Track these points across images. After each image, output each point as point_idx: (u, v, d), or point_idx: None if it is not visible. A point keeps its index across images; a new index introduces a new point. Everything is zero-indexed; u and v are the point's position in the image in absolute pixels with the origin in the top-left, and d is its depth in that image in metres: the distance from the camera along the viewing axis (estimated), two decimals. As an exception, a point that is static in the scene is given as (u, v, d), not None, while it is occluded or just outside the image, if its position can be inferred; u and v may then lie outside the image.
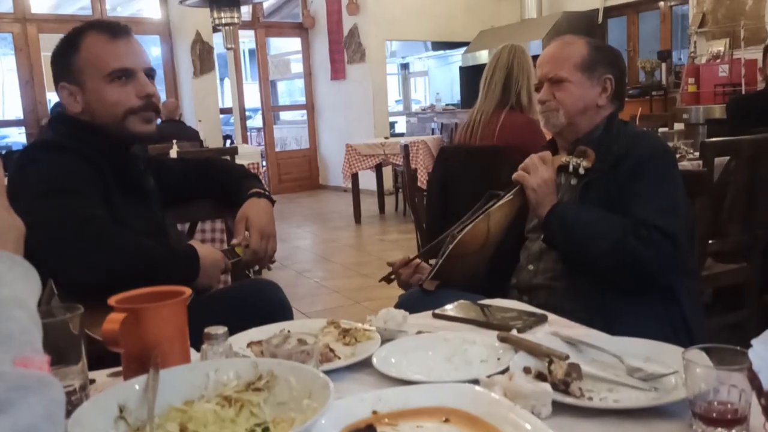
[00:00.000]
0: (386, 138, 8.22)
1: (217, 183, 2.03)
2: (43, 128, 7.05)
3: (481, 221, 1.85)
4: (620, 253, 1.66)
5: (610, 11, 8.82)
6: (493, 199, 1.92)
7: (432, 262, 1.99)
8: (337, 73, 10.37)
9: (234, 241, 1.85)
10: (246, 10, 9.75)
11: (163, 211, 1.92)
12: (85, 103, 1.71)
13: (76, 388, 1.00)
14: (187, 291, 1.08)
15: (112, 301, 1.04)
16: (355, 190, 7.61)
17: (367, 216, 7.92)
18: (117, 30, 1.73)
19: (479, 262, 1.90)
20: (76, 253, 1.46)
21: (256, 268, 2.00)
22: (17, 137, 10.12)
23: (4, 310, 0.61)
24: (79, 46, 1.70)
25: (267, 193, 1.95)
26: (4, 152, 7.28)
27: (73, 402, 0.96)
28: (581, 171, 1.82)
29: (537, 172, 1.82)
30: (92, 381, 1.11)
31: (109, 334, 0.99)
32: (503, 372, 1.06)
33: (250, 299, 1.77)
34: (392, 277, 2.01)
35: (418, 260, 1.99)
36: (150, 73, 1.76)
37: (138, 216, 1.72)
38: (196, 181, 2.04)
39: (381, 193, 8.23)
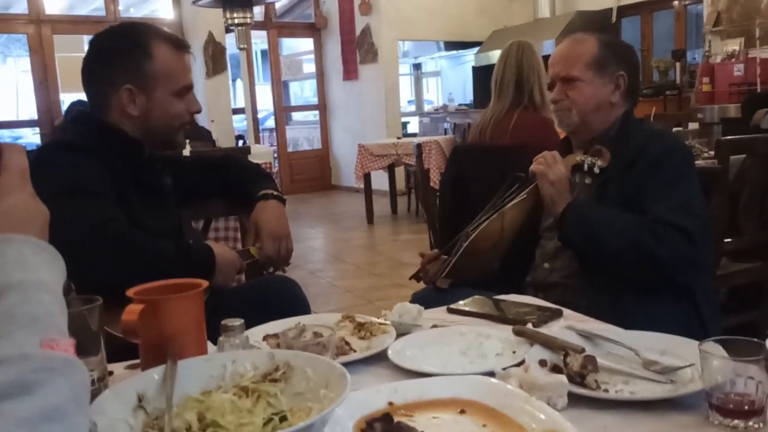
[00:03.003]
0: (399, 138, 8.22)
1: (231, 182, 2.03)
2: (56, 128, 7.10)
3: (495, 220, 1.84)
4: (636, 250, 1.66)
5: (624, 10, 8.79)
6: (517, 182, 1.91)
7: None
8: (350, 73, 10.38)
9: (245, 248, 1.86)
10: (258, 11, 9.81)
11: (179, 210, 1.93)
12: (146, 109, 1.71)
13: (95, 379, 1.01)
14: (204, 283, 1.09)
15: (130, 292, 1.05)
16: (368, 191, 7.61)
17: (380, 216, 7.92)
18: (183, 45, 1.78)
19: (492, 260, 1.89)
20: (90, 256, 1.48)
21: (271, 270, 2.00)
22: (31, 137, 10.19)
23: (31, 294, 0.62)
24: (153, 54, 1.70)
25: (278, 193, 1.96)
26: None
27: (92, 392, 0.97)
28: (596, 170, 1.81)
29: (553, 168, 1.82)
30: (110, 373, 1.12)
31: (127, 324, 1.00)
32: (519, 365, 1.06)
33: (267, 295, 1.77)
34: (421, 274, 2.00)
35: (445, 257, 1.97)
36: None
37: (155, 216, 1.73)
38: (211, 179, 2.05)
39: (393, 193, 8.23)
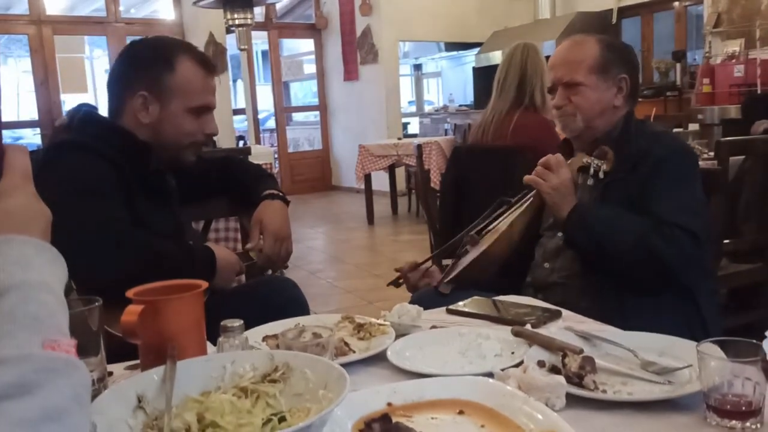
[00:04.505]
0: (399, 139, 8.23)
1: (233, 183, 2.04)
2: (57, 129, 7.10)
3: (506, 231, 1.83)
4: (642, 251, 1.66)
5: (625, 11, 8.79)
6: (504, 205, 1.91)
7: (445, 262, 1.99)
8: (350, 73, 10.38)
9: (248, 246, 1.86)
10: (259, 11, 9.82)
11: (181, 211, 1.94)
12: (158, 119, 1.72)
13: (95, 380, 1.01)
14: (204, 284, 1.09)
15: (130, 293, 1.05)
16: (368, 191, 7.62)
17: (380, 217, 7.92)
18: (210, 66, 1.79)
19: (497, 266, 1.89)
20: (94, 255, 1.48)
21: (270, 272, 2.00)
22: (32, 138, 10.19)
23: (32, 294, 0.62)
24: (175, 67, 1.71)
25: (282, 194, 1.96)
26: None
27: (91, 393, 0.97)
28: (601, 175, 1.80)
29: (553, 174, 1.81)
30: (110, 373, 1.13)
31: (127, 325, 1.00)
32: (517, 365, 1.06)
33: (267, 296, 1.78)
34: (400, 281, 2.00)
35: (427, 264, 1.98)
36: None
37: (159, 217, 1.74)
38: (213, 179, 2.05)
39: (394, 193, 8.24)
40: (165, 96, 1.71)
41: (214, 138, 6.81)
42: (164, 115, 1.72)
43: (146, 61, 1.74)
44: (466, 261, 1.86)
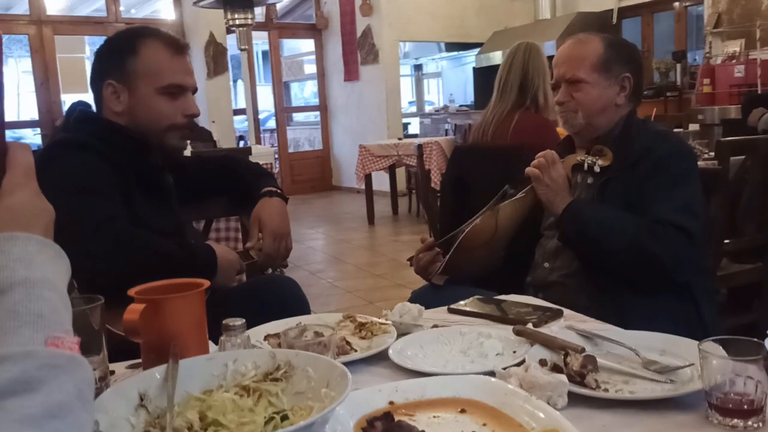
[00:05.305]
0: (400, 139, 8.22)
1: (232, 181, 2.04)
2: (57, 128, 7.11)
3: (489, 216, 1.85)
4: (635, 250, 1.66)
5: (625, 12, 8.79)
6: (507, 195, 1.92)
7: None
8: (351, 74, 10.38)
9: (248, 245, 1.86)
10: (259, 12, 9.82)
11: (180, 210, 1.94)
12: (129, 106, 1.72)
13: (97, 379, 1.01)
14: (205, 282, 1.10)
15: (132, 292, 1.05)
16: (369, 191, 7.61)
17: (381, 217, 7.92)
18: (179, 46, 1.77)
19: (488, 256, 1.89)
20: (95, 253, 1.49)
21: (270, 270, 1.99)
22: (32, 138, 10.19)
23: (35, 291, 0.62)
24: (138, 51, 1.71)
25: (280, 191, 1.96)
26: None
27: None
28: (597, 169, 1.82)
29: (549, 169, 1.82)
30: (112, 372, 1.13)
31: (129, 324, 1.00)
32: (519, 364, 1.06)
33: (268, 295, 1.77)
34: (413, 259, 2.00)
35: (439, 249, 1.97)
36: (194, 92, 1.81)
37: (158, 216, 1.74)
38: (213, 178, 2.05)
39: (394, 194, 8.23)
40: (131, 80, 1.71)
41: (215, 138, 6.79)
42: (135, 101, 1.72)
43: (111, 50, 1.75)
44: (452, 249, 1.87)
